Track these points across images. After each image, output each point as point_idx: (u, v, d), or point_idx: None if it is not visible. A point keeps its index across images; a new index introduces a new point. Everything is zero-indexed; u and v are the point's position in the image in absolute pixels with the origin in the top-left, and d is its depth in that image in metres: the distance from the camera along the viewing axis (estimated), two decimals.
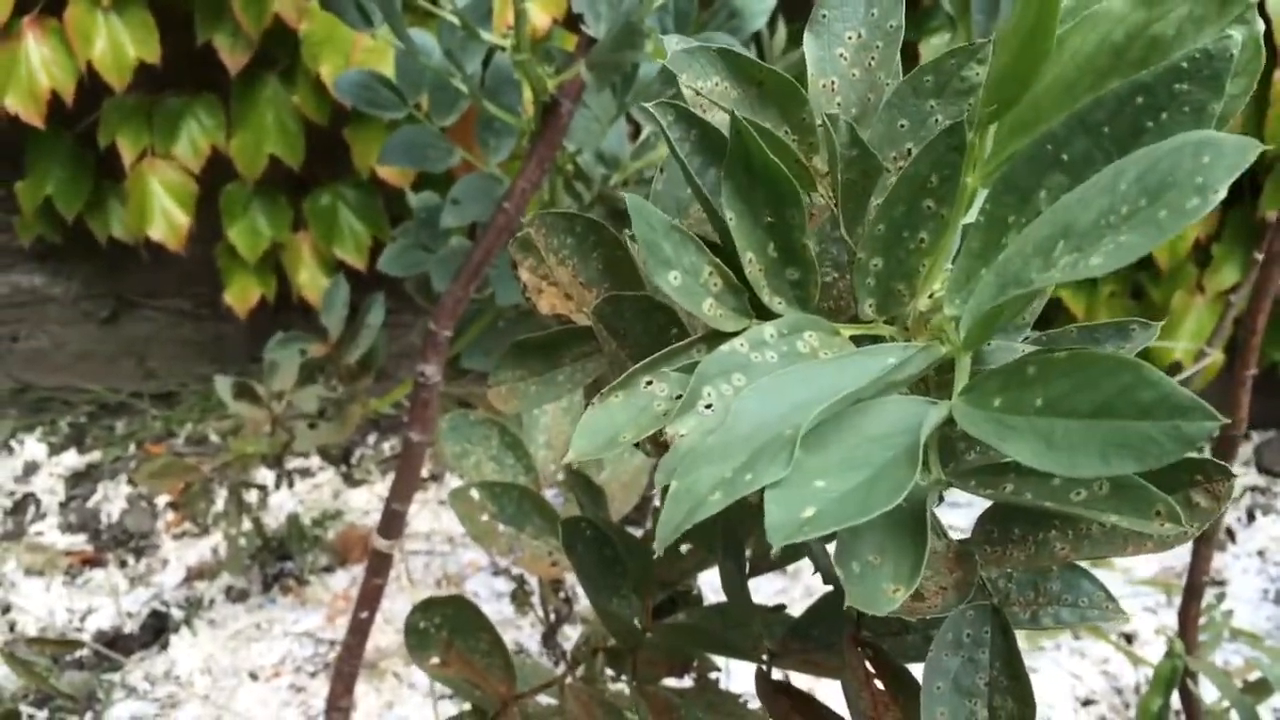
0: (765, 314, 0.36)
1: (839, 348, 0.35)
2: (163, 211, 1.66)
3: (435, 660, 0.65)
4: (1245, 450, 1.80)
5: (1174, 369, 1.59)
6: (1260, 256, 0.77)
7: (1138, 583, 1.53)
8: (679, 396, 0.34)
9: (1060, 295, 1.57)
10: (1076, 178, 0.30)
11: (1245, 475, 1.76)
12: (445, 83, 0.99)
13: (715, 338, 0.36)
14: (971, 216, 0.34)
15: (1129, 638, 1.45)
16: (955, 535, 0.42)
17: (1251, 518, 1.68)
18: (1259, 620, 1.49)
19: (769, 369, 0.34)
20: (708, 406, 0.32)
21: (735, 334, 0.34)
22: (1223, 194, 0.25)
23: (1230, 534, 1.65)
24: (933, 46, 1.41)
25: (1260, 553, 1.62)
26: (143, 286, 1.92)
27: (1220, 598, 1.32)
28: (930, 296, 0.36)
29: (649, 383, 0.35)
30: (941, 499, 0.38)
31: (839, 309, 0.42)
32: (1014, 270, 0.30)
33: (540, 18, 1.45)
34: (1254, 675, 1.17)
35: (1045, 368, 0.28)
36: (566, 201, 1.15)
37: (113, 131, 1.64)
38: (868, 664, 0.48)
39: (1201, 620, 1.35)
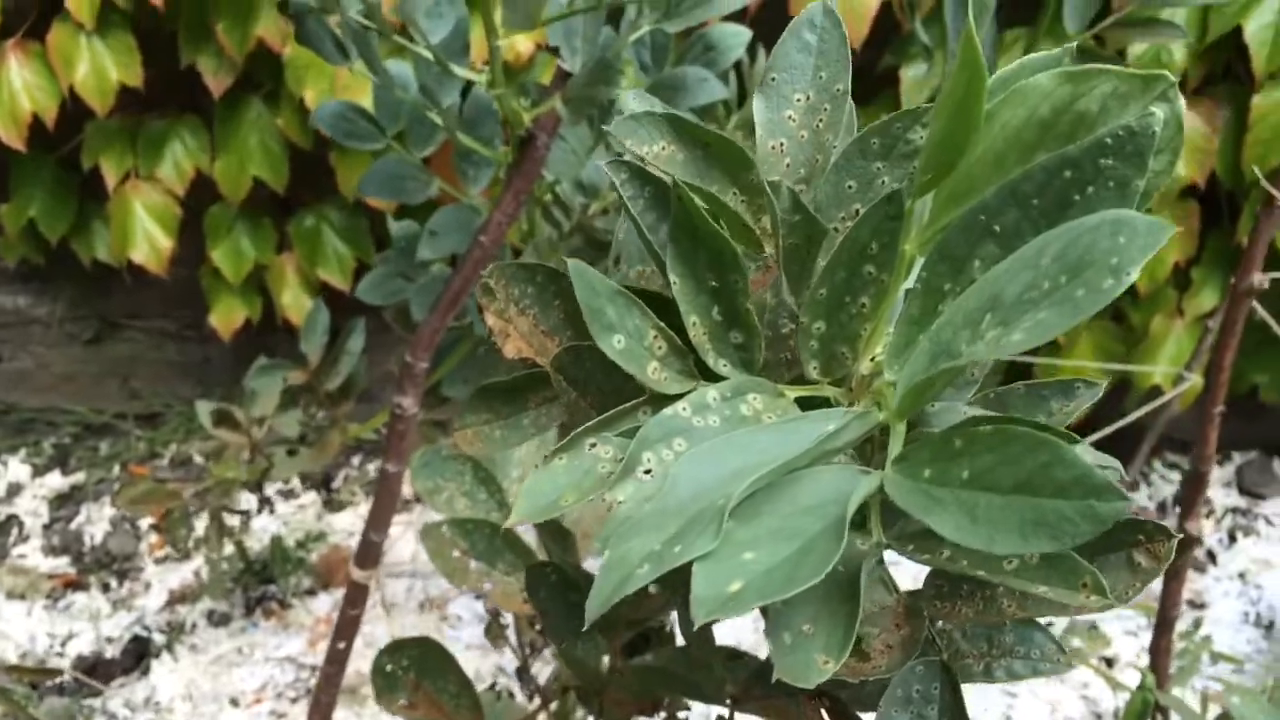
0: (711, 376, 0.37)
1: (783, 410, 0.36)
2: (145, 234, 1.66)
3: (403, 702, 0.65)
4: (1226, 472, 1.80)
5: (1154, 393, 1.59)
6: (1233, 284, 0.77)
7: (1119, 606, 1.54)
8: (622, 460, 0.34)
9: None
10: (1008, 248, 0.31)
11: (1227, 497, 1.77)
12: (423, 115, 0.99)
13: (660, 400, 0.36)
14: (911, 282, 0.35)
15: (1109, 662, 1.46)
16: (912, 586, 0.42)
17: (1233, 539, 1.69)
18: (1239, 643, 1.49)
19: (711, 433, 0.34)
20: (647, 472, 0.33)
21: (679, 397, 0.35)
22: (1135, 275, 0.25)
23: (1211, 556, 1.65)
24: (910, 76, 1.42)
25: (1241, 575, 1.62)
26: (127, 308, 1.92)
27: (1198, 623, 1.33)
28: (872, 359, 0.36)
29: (593, 445, 0.36)
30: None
31: (795, 362, 0.42)
32: (945, 340, 0.30)
33: (524, 44, 1.46)
34: None
35: (971, 441, 0.28)
36: (546, 230, 1.15)
37: (96, 154, 1.64)
38: (824, 714, 0.49)
39: (1180, 644, 1.35)
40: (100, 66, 1.54)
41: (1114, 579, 0.39)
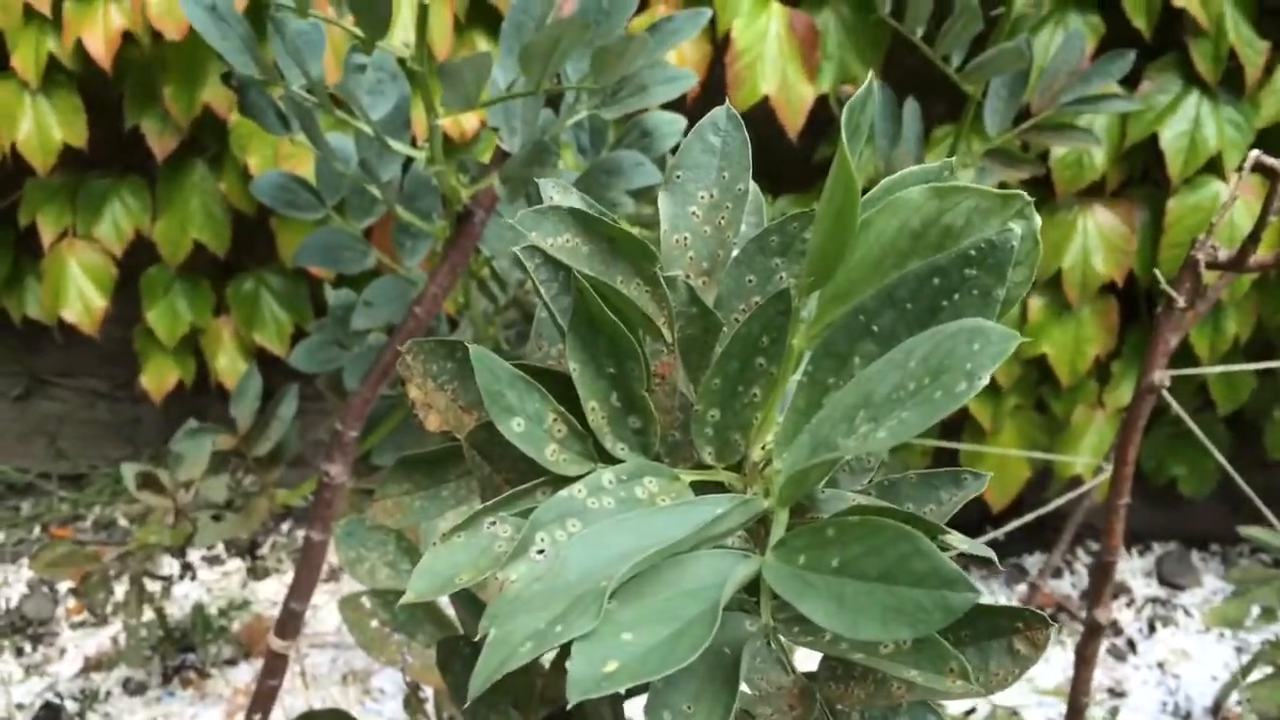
0: (609, 459, 0.38)
1: (678, 493, 0.37)
2: (79, 293, 1.65)
3: None
4: (1147, 562, 1.84)
5: (1075, 482, 1.63)
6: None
7: (1042, 692, 1.55)
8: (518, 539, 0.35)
9: (969, 406, 1.62)
10: (885, 346, 0.33)
11: (1147, 587, 1.80)
12: (363, 187, 1.01)
13: (560, 481, 0.37)
14: (799, 375, 0.37)
15: None
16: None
17: (1152, 629, 1.71)
18: None
19: (606, 514, 0.35)
20: (540, 552, 0.34)
21: (578, 478, 0.36)
22: (986, 380, 0.27)
23: (1131, 645, 1.68)
24: None
25: (1160, 664, 1.65)
26: (57, 365, 1.89)
27: (1114, 711, 1.35)
28: (763, 447, 0.38)
29: (492, 524, 0.37)
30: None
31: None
32: (824, 434, 0.32)
33: (469, 121, 1.48)
34: None
35: (842, 530, 0.30)
36: (482, 303, 1.16)
37: (34, 210, 1.63)
38: None
39: None
40: (44, 125, 1.54)
41: (995, 664, 0.40)
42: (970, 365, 0.27)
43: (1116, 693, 1.59)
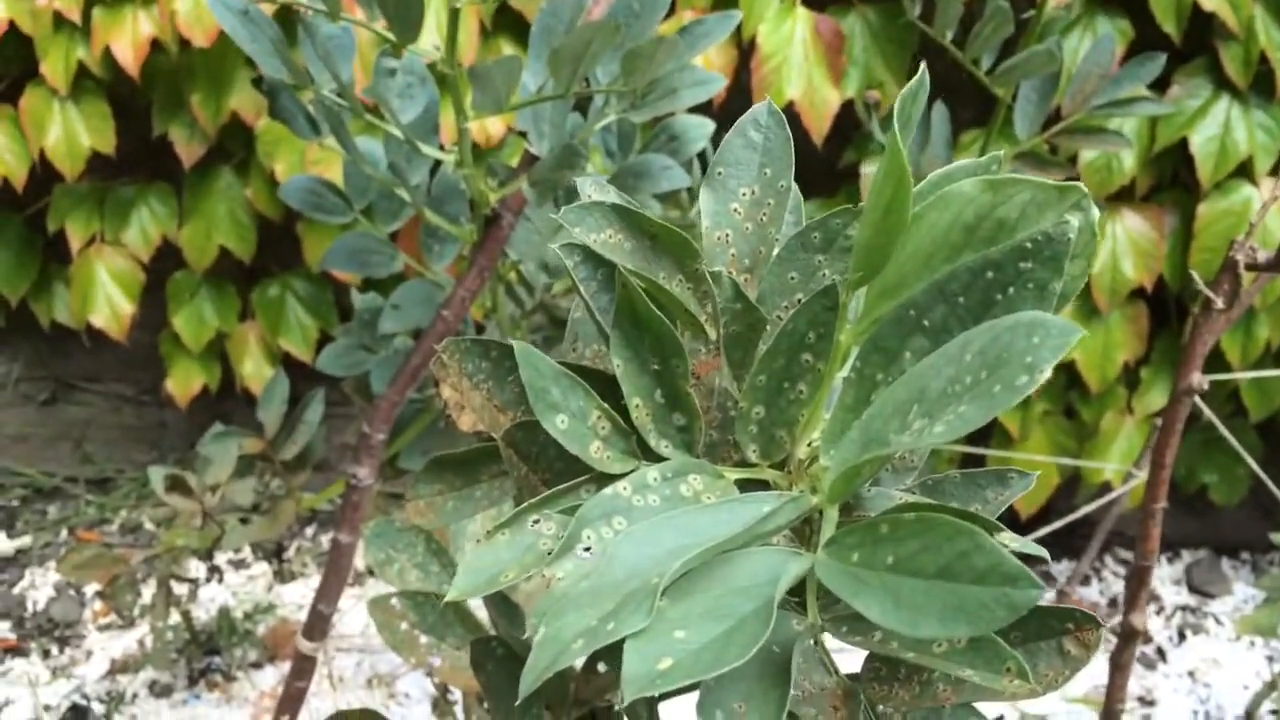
0: (653, 457, 0.38)
1: (723, 491, 0.37)
2: (107, 299, 1.66)
3: None
4: (1176, 570, 1.82)
5: (1104, 489, 1.62)
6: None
7: (1071, 700, 1.54)
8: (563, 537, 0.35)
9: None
10: (936, 342, 0.32)
11: (1177, 595, 1.78)
12: (391, 191, 1.01)
13: (604, 479, 0.37)
14: (846, 371, 0.36)
15: None
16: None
17: (1182, 637, 1.70)
18: None
19: (651, 513, 0.35)
20: (586, 550, 0.33)
21: (621, 476, 0.36)
22: (1048, 373, 0.26)
23: (1161, 653, 1.66)
24: (871, 172, 1.46)
25: (1191, 673, 1.63)
26: (84, 370, 1.91)
27: (1147, 719, 1.33)
28: (810, 445, 0.37)
29: (536, 521, 0.36)
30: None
31: (739, 445, 0.43)
32: (875, 430, 0.31)
33: (495, 126, 1.49)
34: None
35: (897, 527, 0.29)
36: (509, 308, 1.16)
37: (62, 217, 1.64)
38: None
39: None
40: (72, 131, 1.55)
41: (1045, 666, 0.40)
42: (1030, 358, 0.26)
43: (1146, 701, 1.57)
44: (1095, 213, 0.30)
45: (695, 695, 0.35)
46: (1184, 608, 1.75)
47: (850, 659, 0.43)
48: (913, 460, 0.44)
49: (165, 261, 1.69)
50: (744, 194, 0.41)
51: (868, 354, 0.34)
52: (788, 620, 0.36)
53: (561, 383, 0.36)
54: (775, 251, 0.40)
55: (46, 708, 1.52)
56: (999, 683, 0.31)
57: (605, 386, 0.39)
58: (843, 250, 0.40)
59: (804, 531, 0.40)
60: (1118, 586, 1.78)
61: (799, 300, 0.40)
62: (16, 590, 1.75)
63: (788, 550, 0.32)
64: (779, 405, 0.36)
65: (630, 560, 0.31)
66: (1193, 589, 1.79)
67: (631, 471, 0.36)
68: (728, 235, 0.41)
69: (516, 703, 0.29)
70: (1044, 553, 0.35)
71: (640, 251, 0.38)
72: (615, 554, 0.32)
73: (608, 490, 0.35)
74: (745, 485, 0.38)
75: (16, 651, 1.63)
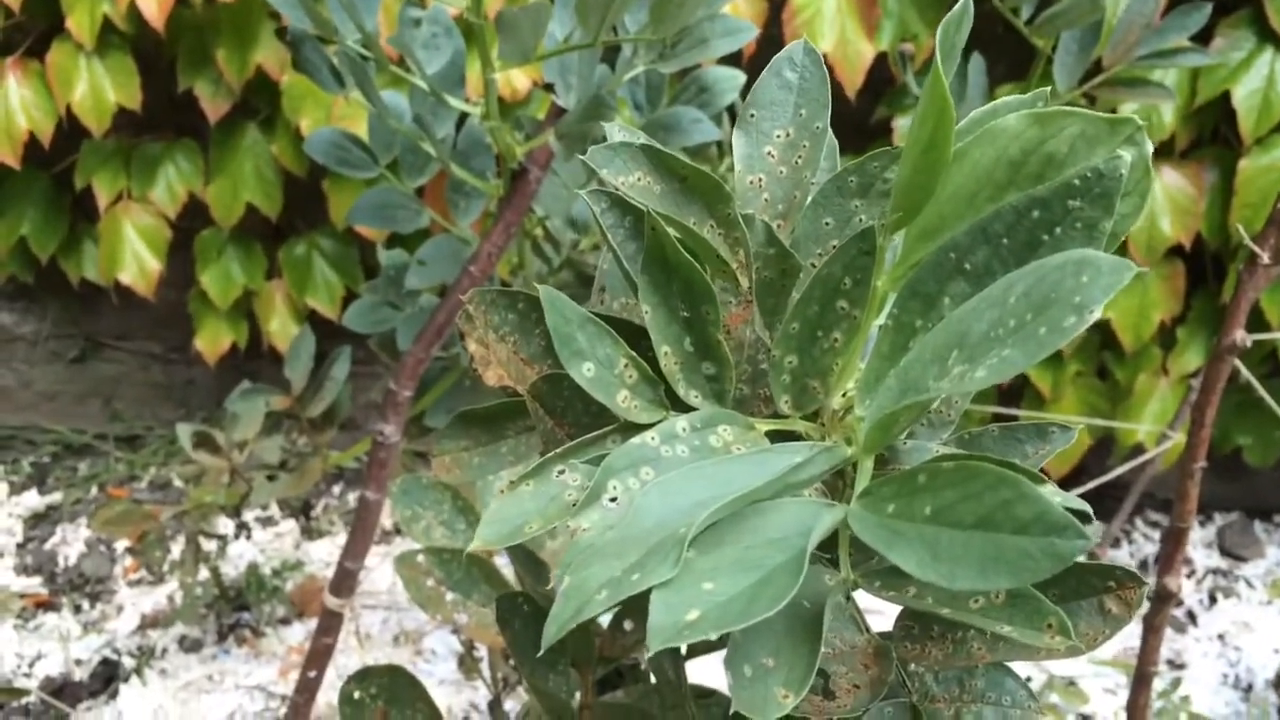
0: (681, 407, 0.36)
1: (753, 442, 0.36)
2: (135, 256, 1.66)
3: None
4: (1208, 533, 1.80)
5: (1136, 450, 1.59)
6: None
7: (1099, 663, 1.53)
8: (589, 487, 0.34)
9: (1028, 373, 1.58)
10: (978, 286, 0.31)
11: (1208, 558, 1.76)
12: (416, 145, 0.99)
13: (630, 429, 0.36)
14: (883, 318, 0.35)
15: (1086, 719, 1.45)
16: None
17: (1213, 600, 1.68)
18: (1218, 705, 1.49)
19: (679, 463, 0.34)
20: (612, 500, 0.32)
21: (649, 426, 0.35)
22: (1098, 313, 0.25)
23: (1191, 617, 1.65)
24: (904, 126, 1.43)
25: (1221, 636, 1.62)
26: (113, 328, 1.91)
27: (1176, 682, 1.32)
28: (844, 394, 0.36)
29: (561, 472, 0.35)
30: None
31: (769, 398, 0.42)
32: (914, 376, 0.30)
33: (520, 80, 1.47)
34: None
35: (935, 477, 0.28)
36: (535, 264, 1.15)
37: (89, 174, 1.64)
38: None
39: (1159, 703, 1.34)
40: (98, 87, 1.55)
41: (1085, 625, 0.39)
42: (1079, 298, 0.25)
43: (1176, 664, 1.56)
44: (1149, 147, 0.29)
45: (719, 655, 0.34)
46: (1215, 570, 1.73)
47: (880, 622, 0.42)
48: (948, 414, 0.43)
49: (192, 219, 1.69)
50: (778, 136, 0.39)
51: (905, 300, 0.33)
52: (819, 575, 0.35)
53: (588, 329, 0.35)
54: (810, 196, 0.39)
55: (78, 662, 1.54)
56: (1039, 639, 0.30)
57: (633, 336, 0.38)
58: (880, 195, 0.38)
59: (836, 485, 0.39)
60: (1149, 549, 1.76)
61: (833, 247, 0.39)
62: (48, 546, 1.77)
63: (820, 502, 0.31)
64: (812, 354, 0.35)
65: (658, 511, 0.30)
66: (1224, 552, 1.77)
67: (659, 421, 0.35)
68: (761, 179, 0.39)
69: (540, 652, 0.29)
70: (1087, 507, 0.34)
71: (670, 195, 0.37)
72: (642, 504, 0.31)
73: (635, 440, 0.34)
74: (776, 437, 0.37)
75: (48, 606, 1.65)
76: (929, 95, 0.28)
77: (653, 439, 0.34)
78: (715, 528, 0.30)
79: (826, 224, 0.39)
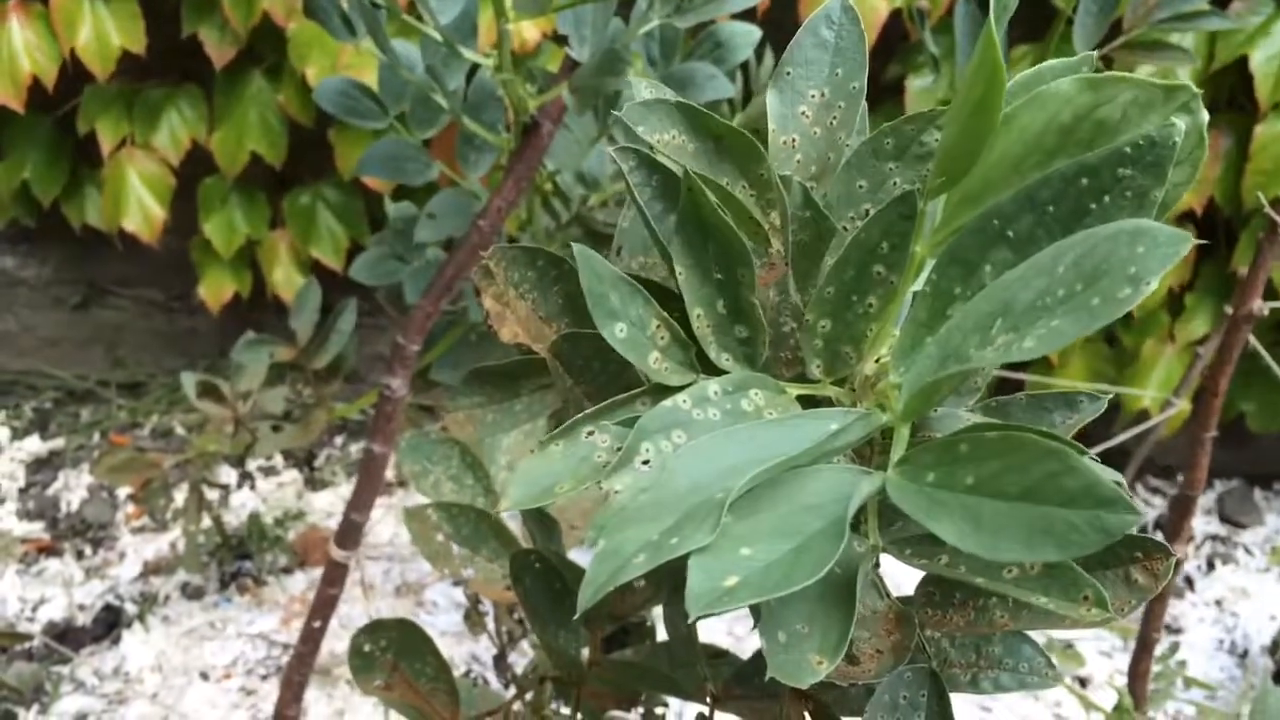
0: (713, 370, 0.36)
1: (784, 407, 0.35)
2: (138, 202, 1.65)
3: (379, 683, 0.65)
4: (1208, 499, 1.81)
5: (1141, 416, 1.60)
6: (1231, 310, 0.77)
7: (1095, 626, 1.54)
8: (620, 449, 0.34)
9: None
10: (1021, 254, 0.31)
11: (1207, 524, 1.77)
12: (427, 96, 0.98)
13: (660, 391, 0.36)
14: (920, 284, 0.34)
15: (1083, 681, 1.46)
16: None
17: (1211, 566, 1.69)
18: (1213, 670, 1.50)
19: (711, 427, 0.34)
20: (645, 463, 0.32)
21: (680, 389, 0.34)
22: (1154, 285, 0.25)
23: (1189, 582, 1.66)
24: (916, 86, 1.42)
25: (1218, 602, 1.63)
26: (116, 275, 1.90)
27: (1175, 647, 1.33)
28: (877, 361, 0.36)
29: (590, 433, 0.35)
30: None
31: (796, 361, 0.42)
32: (954, 345, 0.30)
33: (530, 32, 1.45)
34: None
35: (977, 446, 0.28)
36: (544, 220, 1.14)
37: (92, 118, 1.63)
38: (807, 716, 0.48)
39: (1156, 668, 1.35)
40: (102, 30, 1.53)
41: (1112, 595, 0.39)
42: (1134, 269, 0.25)
43: (1173, 629, 1.57)
44: (1204, 115, 0.28)
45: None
46: (1214, 537, 1.74)
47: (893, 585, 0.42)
48: (976, 382, 0.43)
49: (196, 166, 1.67)
50: (813, 96, 0.39)
51: (944, 266, 0.32)
52: (850, 541, 0.34)
53: (621, 289, 0.34)
54: (844, 158, 0.38)
55: (81, 607, 1.55)
56: (1075, 610, 0.30)
57: (655, 296, 0.38)
58: (916, 158, 0.38)
59: (865, 452, 0.38)
60: (1149, 514, 1.77)
61: (866, 211, 0.39)
62: (50, 491, 1.77)
63: (857, 469, 0.31)
64: (846, 319, 0.35)
65: (692, 474, 0.30)
66: (1224, 518, 1.78)
67: (690, 384, 0.35)
68: (795, 140, 0.39)
69: (575, 616, 0.28)
70: (1122, 479, 0.33)
71: (704, 154, 0.37)
72: (676, 467, 0.30)
73: (667, 402, 0.33)
74: (806, 402, 0.36)
75: (51, 551, 1.65)
76: (980, 57, 0.28)
77: (684, 402, 0.33)
78: (751, 493, 0.30)
79: (860, 187, 0.38)
